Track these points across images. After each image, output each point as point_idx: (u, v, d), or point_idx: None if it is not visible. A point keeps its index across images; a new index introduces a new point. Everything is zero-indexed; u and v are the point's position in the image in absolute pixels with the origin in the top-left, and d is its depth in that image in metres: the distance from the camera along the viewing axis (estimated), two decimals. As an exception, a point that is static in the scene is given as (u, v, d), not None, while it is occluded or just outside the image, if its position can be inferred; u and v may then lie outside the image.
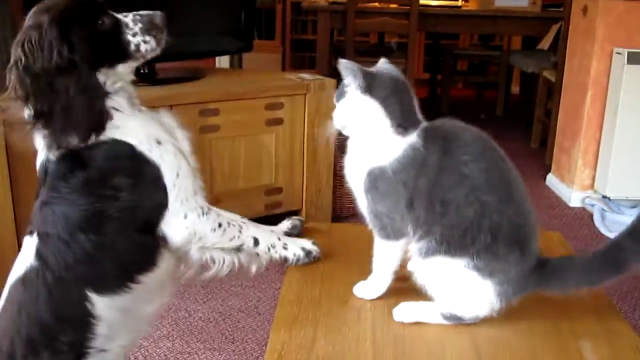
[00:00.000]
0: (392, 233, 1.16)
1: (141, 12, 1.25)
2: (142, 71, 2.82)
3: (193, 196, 1.25)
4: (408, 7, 4.66)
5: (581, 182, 3.68)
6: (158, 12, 1.26)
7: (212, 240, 1.27)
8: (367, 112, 1.12)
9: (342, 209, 3.25)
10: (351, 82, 1.12)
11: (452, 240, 1.10)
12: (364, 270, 1.30)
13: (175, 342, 2.23)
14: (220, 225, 1.28)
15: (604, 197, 3.59)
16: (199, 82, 2.89)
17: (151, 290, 1.26)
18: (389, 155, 1.12)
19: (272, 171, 2.92)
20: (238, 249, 1.31)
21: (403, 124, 1.12)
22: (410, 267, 1.17)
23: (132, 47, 1.24)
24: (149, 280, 1.24)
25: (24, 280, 1.18)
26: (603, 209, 3.51)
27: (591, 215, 3.51)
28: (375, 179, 1.13)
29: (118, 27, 1.23)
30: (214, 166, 2.75)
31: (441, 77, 6.23)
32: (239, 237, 1.30)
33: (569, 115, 3.82)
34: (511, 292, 1.13)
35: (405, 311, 1.17)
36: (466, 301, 1.14)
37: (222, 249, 1.29)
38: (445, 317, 1.15)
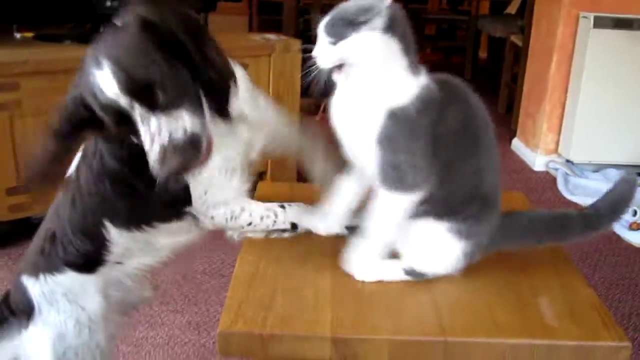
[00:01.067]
0: (413, 184, 1.06)
1: None
2: (101, 30, 2.75)
3: (223, 205, 1.24)
4: (376, -31, 4.60)
5: (545, 146, 3.71)
6: None
7: (243, 232, 1.29)
8: (385, 51, 1.02)
9: (308, 171, 3.23)
10: (369, 19, 1.00)
11: (447, 203, 1.09)
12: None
13: (137, 304, 2.20)
14: (250, 223, 1.27)
15: (567, 161, 3.63)
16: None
17: (168, 232, 1.28)
18: (407, 94, 1.04)
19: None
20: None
21: (416, 64, 1.06)
22: None
23: None
24: (166, 227, 1.27)
25: (66, 180, 1.26)
26: (566, 173, 3.54)
27: (555, 179, 3.55)
28: (398, 120, 1.03)
29: None
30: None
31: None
32: (273, 225, 1.28)
33: (535, 79, 3.83)
34: (478, 252, 1.14)
35: (366, 269, 1.15)
36: (433, 259, 1.13)
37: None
38: (407, 273, 1.14)
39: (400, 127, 1.04)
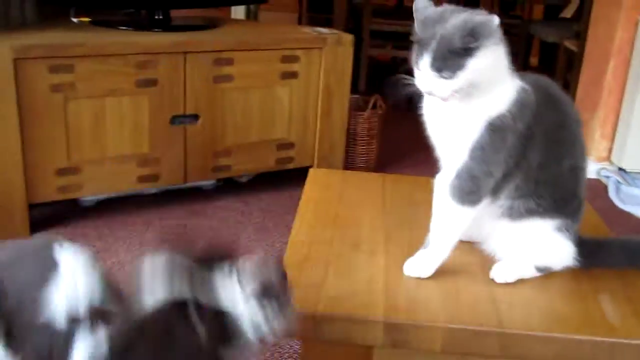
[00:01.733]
0: (480, 196, 1.06)
1: None
2: (156, 17, 2.77)
3: None
4: (430, -31, 4.56)
5: (598, 153, 3.62)
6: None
7: None
8: (497, 62, 1.01)
9: (354, 167, 3.21)
10: (480, 42, 0.96)
11: (553, 202, 1.08)
12: (376, 217, 1.27)
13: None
14: None
15: (620, 169, 3.53)
16: (213, 30, 2.83)
17: None
18: (507, 100, 1.02)
19: (285, 125, 2.87)
20: None
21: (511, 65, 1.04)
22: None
23: None
24: None
25: None
26: (618, 182, 3.45)
27: (606, 187, 3.46)
28: (495, 129, 1.01)
29: None
30: (226, 117, 2.71)
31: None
32: None
33: (589, 85, 3.74)
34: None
35: (505, 271, 1.11)
36: (554, 257, 1.13)
37: None
38: (539, 269, 1.13)
39: (495, 136, 1.02)
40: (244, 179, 3.03)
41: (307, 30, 2.96)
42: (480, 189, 1.05)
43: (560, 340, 0.98)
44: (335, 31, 2.97)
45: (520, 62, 5.88)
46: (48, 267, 0.79)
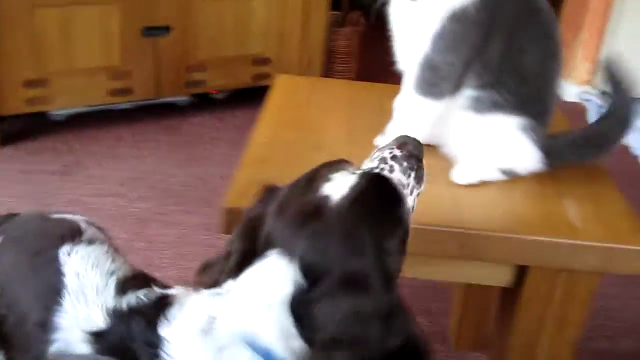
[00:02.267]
0: (443, 89, 1.04)
1: None
2: None
3: None
4: None
5: (580, 76, 3.58)
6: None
7: None
8: None
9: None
10: None
11: (518, 97, 1.05)
12: (345, 120, 1.23)
13: (151, 202, 2.18)
14: None
15: (601, 92, 3.50)
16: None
17: None
18: None
19: (261, 40, 2.79)
20: None
21: None
22: None
23: None
24: None
25: None
26: (599, 105, 3.42)
27: (586, 110, 3.43)
28: (456, 20, 1.00)
29: None
30: (199, 30, 2.62)
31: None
32: None
33: (575, 6, 3.66)
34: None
35: (466, 172, 1.09)
36: (518, 158, 1.09)
37: None
38: (503, 172, 1.10)
39: (457, 27, 1.00)
40: (219, 96, 2.96)
41: (284, -59, 2.83)
42: (443, 80, 1.04)
43: (520, 241, 0.96)
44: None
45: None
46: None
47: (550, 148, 1.10)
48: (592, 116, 3.33)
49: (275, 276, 0.71)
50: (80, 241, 0.93)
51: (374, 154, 0.83)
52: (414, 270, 1.05)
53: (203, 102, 2.89)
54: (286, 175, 1.02)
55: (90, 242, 0.94)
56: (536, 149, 1.08)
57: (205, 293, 0.78)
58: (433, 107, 1.06)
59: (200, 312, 0.77)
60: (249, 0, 2.68)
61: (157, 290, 0.85)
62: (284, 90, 1.39)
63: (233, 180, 1.01)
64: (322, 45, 2.92)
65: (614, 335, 1.87)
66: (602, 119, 1.14)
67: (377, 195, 0.75)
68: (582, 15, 3.51)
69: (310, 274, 0.70)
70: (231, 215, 0.97)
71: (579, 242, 0.96)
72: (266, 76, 2.87)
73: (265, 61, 2.84)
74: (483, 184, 1.08)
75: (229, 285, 0.76)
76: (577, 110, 3.47)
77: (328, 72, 3.06)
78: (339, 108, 1.32)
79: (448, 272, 1.04)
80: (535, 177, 1.11)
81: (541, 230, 0.98)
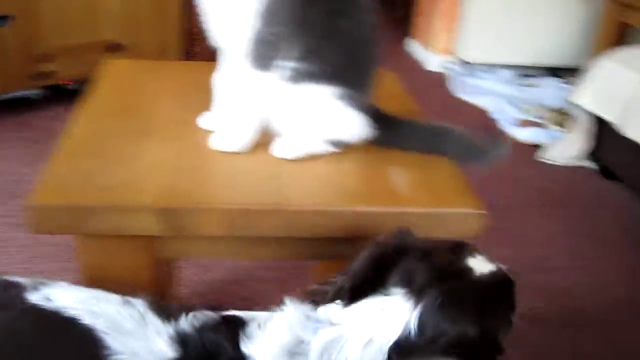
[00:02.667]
0: (274, 61, 1.01)
1: None
2: None
3: None
4: None
5: (439, 45, 3.66)
6: None
7: None
8: None
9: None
10: None
11: (330, 65, 1.02)
12: (176, 103, 1.18)
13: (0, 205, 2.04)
14: None
15: (462, 61, 3.60)
16: None
17: None
18: None
19: (112, 25, 2.66)
20: None
21: None
22: None
23: None
24: None
25: None
26: (460, 73, 3.52)
27: (449, 79, 3.52)
28: None
29: None
30: (44, 17, 2.47)
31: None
32: None
33: (432, -22, 3.74)
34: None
35: (288, 146, 1.05)
36: (339, 128, 1.07)
37: None
38: (331, 143, 1.07)
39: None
40: (73, 86, 2.81)
41: None
42: (275, 53, 1.01)
43: (346, 213, 0.94)
44: None
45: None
46: None
47: (384, 124, 1.09)
48: (454, 83, 3.42)
49: (392, 315, 0.71)
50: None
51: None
52: (244, 252, 1.03)
53: (56, 95, 2.73)
54: (106, 168, 0.96)
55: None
56: (359, 116, 1.06)
57: (293, 314, 0.77)
58: (270, 80, 1.03)
59: (288, 333, 0.75)
60: (94, -17, 2.55)
61: (205, 312, 0.81)
62: (113, 76, 1.32)
63: (42, 175, 0.94)
64: (178, 27, 2.82)
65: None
66: (455, 139, 1.13)
67: (507, 290, 0.77)
68: (439, -14, 3.59)
69: (426, 326, 0.70)
70: (41, 213, 0.89)
71: (403, 209, 0.95)
72: (122, 63, 2.75)
73: (119, 47, 2.71)
74: (311, 157, 1.05)
75: (332, 309, 0.74)
76: (440, 78, 3.55)
77: (188, 54, 2.97)
78: (170, 91, 1.26)
79: (276, 251, 1.01)
80: (366, 147, 1.10)
81: (367, 200, 0.96)
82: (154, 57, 2.78)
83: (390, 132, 1.12)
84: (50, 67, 2.56)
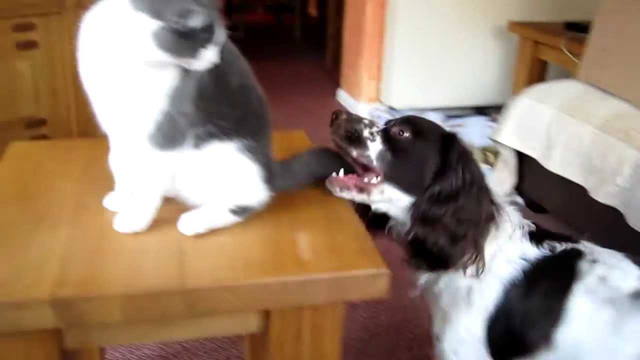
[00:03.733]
0: (181, 137, 1.00)
1: None
2: None
3: None
4: None
5: (368, 94, 3.73)
6: None
7: None
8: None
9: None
10: None
11: (233, 121, 1.03)
12: (75, 184, 1.16)
13: None
14: None
15: (389, 108, 3.66)
16: None
17: None
18: None
19: (31, 101, 2.63)
20: None
21: None
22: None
23: None
24: None
25: None
26: (389, 119, 3.57)
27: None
28: (186, 74, 0.98)
29: None
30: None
31: (237, 1, 6.05)
32: None
33: (353, 30, 3.82)
34: (273, 179, 1.10)
35: (193, 221, 1.03)
36: (245, 188, 1.07)
37: None
38: (235, 212, 1.06)
39: (187, 79, 0.98)
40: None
41: (43, -6, 2.70)
42: (181, 131, 1.00)
43: (248, 287, 0.93)
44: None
45: (298, 14, 5.92)
46: None
47: (277, 168, 1.12)
48: (385, 131, 3.47)
49: None
50: None
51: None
52: (145, 334, 1.00)
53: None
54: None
55: None
56: (259, 168, 1.07)
57: None
58: (173, 157, 1.02)
59: None
60: (9, 61, 2.52)
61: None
62: (14, 160, 1.29)
63: None
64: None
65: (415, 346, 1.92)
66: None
67: None
68: (361, 37, 3.67)
69: None
70: None
71: (306, 277, 0.95)
72: (44, 138, 2.70)
73: (40, 123, 2.67)
74: (216, 231, 1.04)
75: None
76: (369, 128, 3.60)
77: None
78: (72, 171, 1.23)
79: (185, 331, 0.99)
80: (270, 211, 1.10)
81: (270, 271, 0.95)
82: (79, 127, 2.75)
83: (286, 176, 1.16)
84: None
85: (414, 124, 1.22)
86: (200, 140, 1.02)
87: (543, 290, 1.17)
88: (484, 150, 3.11)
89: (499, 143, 2.72)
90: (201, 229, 1.03)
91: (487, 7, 3.56)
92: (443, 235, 1.14)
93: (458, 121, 3.61)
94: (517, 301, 1.18)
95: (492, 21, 3.57)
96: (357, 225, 1.09)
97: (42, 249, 0.97)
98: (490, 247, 1.18)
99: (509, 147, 2.70)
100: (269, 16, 6.63)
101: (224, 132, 1.04)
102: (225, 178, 1.05)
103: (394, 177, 1.18)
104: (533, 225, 1.24)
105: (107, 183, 1.13)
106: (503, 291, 1.18)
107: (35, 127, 2.67)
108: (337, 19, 4.63)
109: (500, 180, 2.77)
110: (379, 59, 3.65)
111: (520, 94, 2.72)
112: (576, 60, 2.71)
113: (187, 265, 0.95)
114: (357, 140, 1.18)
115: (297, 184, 1.21)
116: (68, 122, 2.75)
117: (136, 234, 1.02)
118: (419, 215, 1.16)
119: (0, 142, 2.52)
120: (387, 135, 1.20)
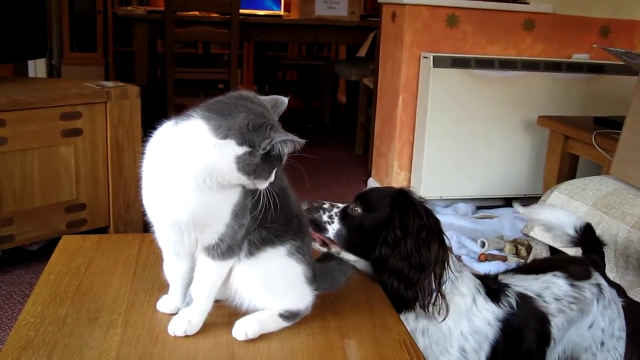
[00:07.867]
0: (239, 247, 1.05)
1: None
2: None
3: None
4: (228, 17, 4.58)
5: (398, 184, 3.76)
6: None
7: None
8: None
9: (156, 224, 3.08)
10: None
11: (278, 226, 1.07)
12: (123, 284, 1.18)
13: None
14: None
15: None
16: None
17: None
18: None
19: (72, 186, 2.70)
20: None
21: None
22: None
23: None
24: None
25: None
26: (419, 209, 3.59)
27: (408, 216, 3.59)
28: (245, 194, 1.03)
29: None
30: (3, 183, 2.49)
31: (269, 87, 6.21)
32: None
33: (385, 119, 3.90)
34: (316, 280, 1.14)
35: (246, 326, 1.05)
36: (295, 290, 1.10)
37: None
38: (286, 318, 1.08)
39: (247, 195, 1.02)
40: (33, 247, 2.80)
41: (89, 85, 2.82)
42: (238, 241, 1.04)
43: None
44: (120, 83, 2.86)
45: (328, 100, 6.06)
46: None
47: (318, 268, 1.16)
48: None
49: None
50: None
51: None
52: None
53: (16, 256, 2.71)
54: (53, 359, 0.95)
55: None
56: (306, 270, 1.10)
57: None
58: (229, 265, 1.06)
59: None
60: (54, 147, 2.61)
61: None
62: (67, 253, 1.32)
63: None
64: (139, 184, 2.86)
65: None
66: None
67: None
68: (392, 127, 3.74)
69: None
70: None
71: (356, 387, 0.95)
72: (83, 222, 2.77)
73: (79, 207, 2.74)
74: (265, 336, 1.05)
75: None
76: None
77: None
78: (122, 269, 1.26)
79: None
80: (318, 316, 1.11)
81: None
82: (116, 213, 2.81)
83: (325, 277, 1.20)
84: (8, 230, 2.56)
85: (365, 197, 1.35)
86: (253, 247, 1.05)
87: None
88: (515, 242, 3.10)
89: (532, 238, 2.72)
90: (253, 334, 1.04)
91: (518, 100, 3.62)
92: (396, 280, 1.25)
93: (488, 212, 3.62)
94: None
95: (523, 114, 3.63)
96: (405, 334, 1.10)
97: (98, 350, 0.99)
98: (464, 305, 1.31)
99: (542, 242, 2.69)
100: (299, 102, 6.79)
101: (276, 236, 1.07)
102: (277, 282, 1.08)
103: (349, 248, 1.33)
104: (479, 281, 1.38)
105: (155, 283, 1.16)
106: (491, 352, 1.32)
107: (75, 211, 2.73)
108: (367, 108, 4.73)
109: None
110: (409, 148, 3.71)
111: (552, 189, 2.74)
112: (607, 156, 2.73)
113: (238, 371, 0.96)
114: (319, 226, 1.32)
115: (334, 285, 1.22)
116: (106, 208, 2.82)
117: (187, 337, 1.04)
118: (375, 264, 1.30)
119: (42, 224, 2.63)
120: (345, 213, 1.33)
